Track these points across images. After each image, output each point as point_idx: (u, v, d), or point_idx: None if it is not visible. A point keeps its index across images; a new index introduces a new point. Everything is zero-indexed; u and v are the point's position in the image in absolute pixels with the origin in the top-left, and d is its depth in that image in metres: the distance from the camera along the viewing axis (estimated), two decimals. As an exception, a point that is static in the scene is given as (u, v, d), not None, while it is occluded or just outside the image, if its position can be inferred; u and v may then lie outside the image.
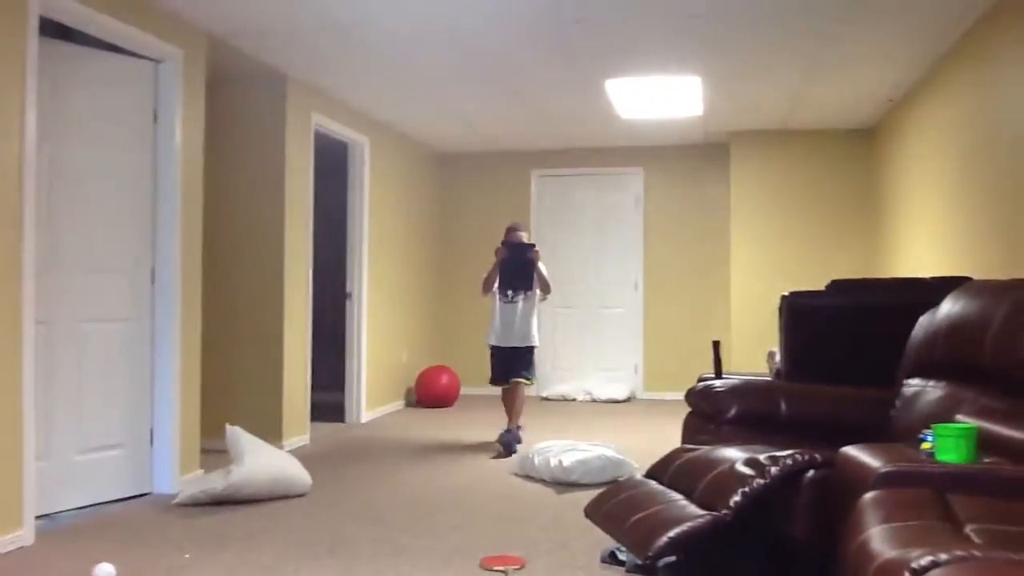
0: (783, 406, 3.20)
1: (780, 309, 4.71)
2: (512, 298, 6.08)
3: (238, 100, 6.05)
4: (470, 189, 9.45)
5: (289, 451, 5.88)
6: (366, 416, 7.40)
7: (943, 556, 1.58)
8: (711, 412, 3.23)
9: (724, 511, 2.48)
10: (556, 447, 5.16)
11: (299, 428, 6.23)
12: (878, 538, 1.92)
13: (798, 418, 3.19)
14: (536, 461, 5.07)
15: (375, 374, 7.60)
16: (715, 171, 8.86)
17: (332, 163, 7.40)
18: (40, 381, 3.96)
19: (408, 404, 8.41)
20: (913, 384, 3.19)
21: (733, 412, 3.16)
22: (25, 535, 3.71)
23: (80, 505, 4.32)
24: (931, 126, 6.02)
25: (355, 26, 4.98)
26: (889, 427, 3.10)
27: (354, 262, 7.33)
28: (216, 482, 4.41)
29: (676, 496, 2.74)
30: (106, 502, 4.44)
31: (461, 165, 9.45)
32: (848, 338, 3.89)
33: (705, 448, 2.94)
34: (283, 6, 4.65)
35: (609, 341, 9.09)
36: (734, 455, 2.76)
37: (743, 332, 8.20)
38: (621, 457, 5.01)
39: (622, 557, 3.40)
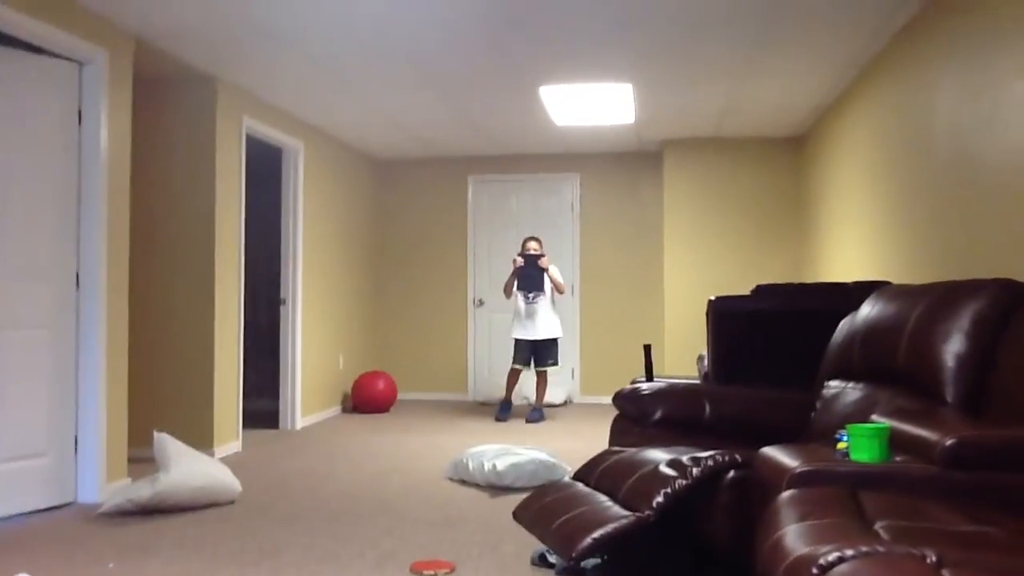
0: (707, 409, 3.26)
1: (707, 314, 4.80)
2: (533, 299, 7.60)
3: (167, 103, 5.96)
4: (407, 195, 9.43)
5: (220, 458, 5.81)
6: (301, 422, 7.33)
7: (849, 552, 1.63)
8: (637, 415, 3.27)
9: (647, 511, 2.51)
10: (490, 451, 5.17)
11: (230, 435, 6.15)
12: (791, 536, 1.97)
13: (722, 420, 3.25)
14: (470, 466, 5.08)
15: (310, 380, 7.53)
16: (650, 178, 8.98)
17: (266, 168, 7.33)
18: (-43, 389, 3.85)
19: (344, 410, 8.36)
20: (832, 386, 3.28)
21: (658, 415, 3.22)
22: (-60, 548, 3.60)
23: (0, 515, 4.21)
24: (858, 133, 6.19)
25: (283, 28, 4.94)
26: (809, 428, 3.18)
27: (288, 268, 7.26)
28: (142, 490, 4.32)
29: (601, 498, 2.77)
30: (28, 512, 4.33)
31: (398, 171, 9.43)
32: (772, 342, 3.97)
33: (631, 450, 2.98)
34: (209, 8, 4.59)
35: (546, 346, 9.14)
36: (658, 457, 2.80)
37: (675, 336, 8.32)
38: (554, 460, 5.05)
39: (552, 559, 3.42)
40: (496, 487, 4.91)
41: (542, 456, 5.05)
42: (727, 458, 2.59)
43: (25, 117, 4.37)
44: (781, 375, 3.85)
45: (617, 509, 2.63)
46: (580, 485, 2.94)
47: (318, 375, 7.73)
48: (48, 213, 4.48)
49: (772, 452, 2.49)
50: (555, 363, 7.81)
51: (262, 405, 7.59)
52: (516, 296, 7.72)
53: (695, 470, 2.57)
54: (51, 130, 4.50)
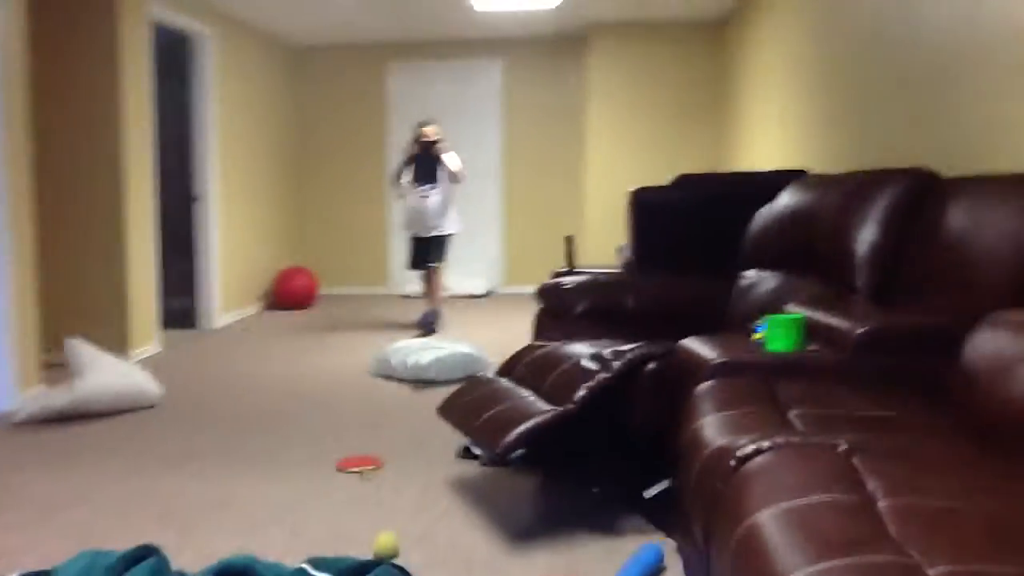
0: (629, 301, 3.29)
1: (629, 204, 4.79)
2: (425, 191, 6.67)
3: (58, -12, 5.57)
4: (325, 85, 9.12)
5: (138, 361, 5.70)
6: (220, 321, 7.22)
7: (765, 444, 1.67)
8: (560, 309, 3.28)
9: (570, 405, 2.54)
10: (414, 346, 5.17)
11: (147, 337, 6.02)
12: (710, 426, 2.01)
13: (643, 311, 3.28)
14: (393, 361, 5.08)
15: (229, 278, 7.38)
16: (574, 65, 8.85)
17: (176, 59, 6.96)
18: None
19: (267, 307, 8.24)
20: (748, 276, 3.33)
21: (581, 308, 3.23)
22: None
23: (-93, 428, 4.07)
24: (779, 16, 6.15)
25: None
26: (726, 317, 3.24)
27: (201, 163, 7.00)
28: (58, 398, 4.22)
29: (525, 392, 2.79)
30: (-64, 423, 4.20)
31: (315, 60, 9.09)
32: (693, 232, 4.00)
33: (553, 344, 3.00)
34: None
35: (468, 236, 9.08)
36: (580, 351, 2.82)
37: (596, 225, 8.35)
38: (476, 353, 5.08)
39: (476, 451, 3.48)
40: (420, 381, 4.94)
41: (464, 349, 5.07)
42: (647, 351, 2.62)
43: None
44: (702, 265, 3.89)
45: (540, 404, 2.66)
46: (503, 380, 2.95)
47: (236, 273, 7.58)
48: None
49: (691, 344, 2.52)
50: (440, 260, 6.86)
51: (179, 304, 7.41)
52: (408, 188, 6.77)
53: (616, 363, 2.60)
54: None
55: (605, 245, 8.25)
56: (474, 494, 3.09)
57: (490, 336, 6.49)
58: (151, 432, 4.03)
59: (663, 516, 2.66)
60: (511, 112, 9.03)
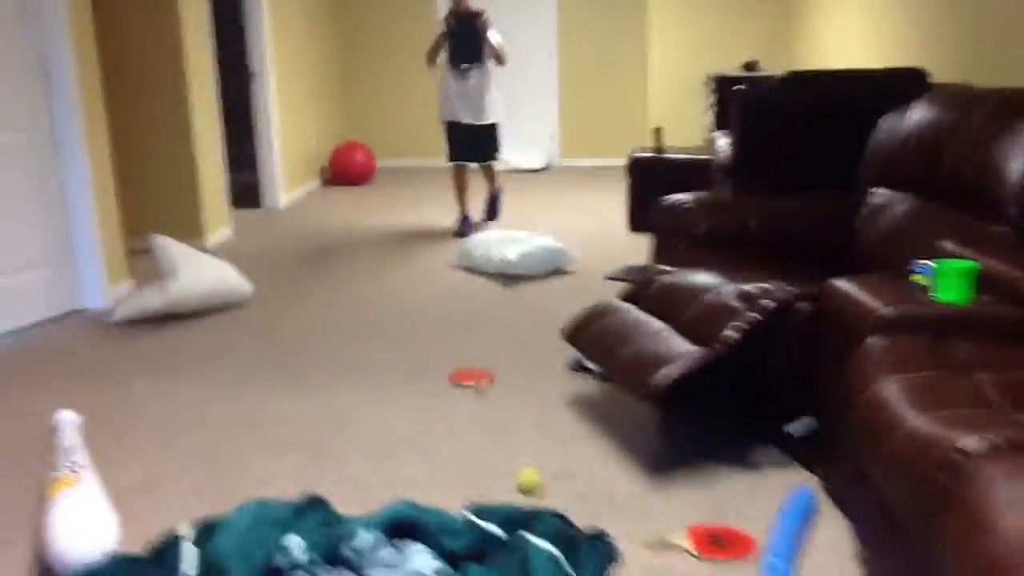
0: (752, 223, 3.17)
1: (716, 92, 4.60)
2: (466, 71, 5.81)
3: None
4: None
5: (214, 247, 5.68)
6: (283, 200, 7.14)
7: (996, 440, 1.61)
8: (680, 229, 3.18)
9: (719, 345, 2.49)
10: (494, 239, 5.10)
11: (219, 221, 5.97)
12: (895, 395, 1.95)
13: (766, 235, 3.17)
14: (476, 255, 5.02)
15: (287, 155, 7.25)
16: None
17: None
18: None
19: (324, 183, 8.14)
20: (879, 194, 3.20)
21: (703, 230, 3.12)
22: (-40, 373, 3.51)
23: (6, 330, 4.10)
24: None
25: None
26: (855, 239, 3.13)
27: (256, 37, 6.75)
28: (153, 298, 4.22)
29: (659, 325, 2.74)
30: (36, 323, 4.22)
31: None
32: (806, 139, 3.81)
33: (682, 272, 2.92)
34: None
35: (524, 109, 8.84)
36: (717, 283, 2.75)
37: (661, 100, 8.10)
38: (561, 246, 5.01)
39: (589, 365, 3.45)
40: (506, 275, 4.89)
41: (548, 243, 5.00)
42: (798, 291, 2.54)
43: None
44: (816, 179, 3.73)
45: (680, 340, 2.61)
46: (633, 310, 2.89)
47: (294, 149, 7.44)
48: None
49: (848, 288, 2.44)
50: (495, 154, 6.10)
51: (239, 180, 7.26)
52: (444, 68, 5.91)
53: (765, 302, 2.53)
54: (-4, -99, 3.93)
55: (670, 120, 8.00)
56: (597, 416, 3.09)
57: (561, 220, 6.39)
58: (247, 339, 4.03)
59: (804, 452, 2.65)
60: (568, -24, 8.59)
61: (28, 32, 4.12)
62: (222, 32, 6.55)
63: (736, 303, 2.58)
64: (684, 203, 3.25)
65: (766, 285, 2.60)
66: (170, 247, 4.37)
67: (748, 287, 2.62)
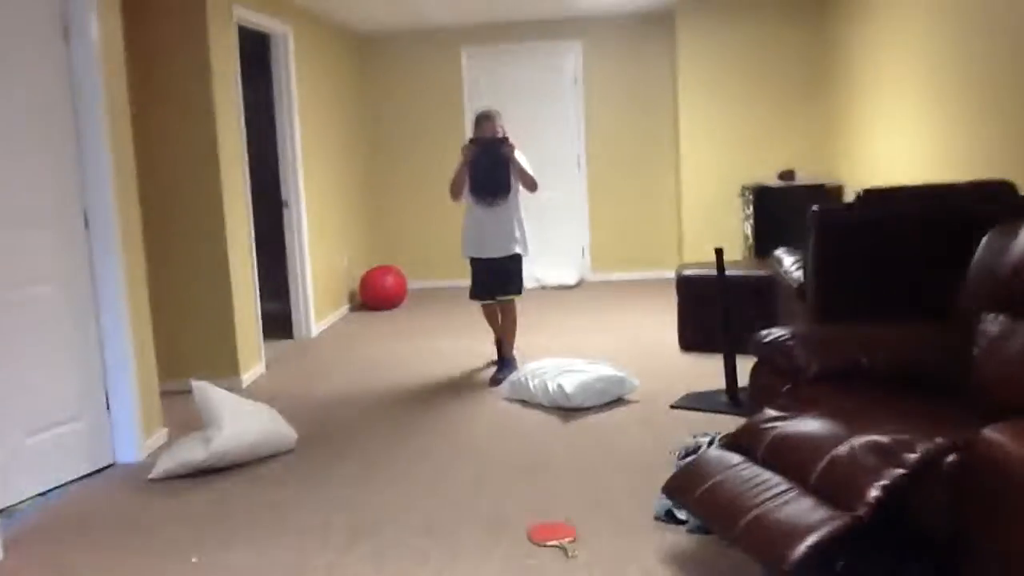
0: (863, 359, 2.91)
1: (754, 202, 4.40)
2: (490, 203, 5.28)
3: (152, 3, 5.19)
4: (397, 73, 8.70)
5: (249, 385, 5.44)
6: (316, 328, 6.92)
7: None
8: (788, 368, 2.92)
9: (862, 509, 2.20)
10: (549, 368, 4.84)
11: (253, 357, 5.73)
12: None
13: (880, 370, 2.90)
14: (531, 385, 4.76)
15: (319, 282, 7.07)
16: (658, 43, 8.36)
17: (252, 61, 6.58)
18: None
19: (353, 308, 7.94)
20: (995, 321, 2.94)
21: (814, 371, 2.85)
22: (-9, 549, 3.21)
23: (40, 491, 3.81)
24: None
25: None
26: (978, 373, 2.86)
27: (288, 167, 6.66)
28: (195, 452, 3.94)
29: (782, 483, 2.45)
30: (68, 483, 3.93)
31: (385, 47, 8.66)
32: (885, 259, 3.61)
33: (794, 419, 2.65)
34: None
35: (553, 223, 8.71)
36: (842, 433, 2.47)
37: (695, 213, 7.98)
38: (621, 375, 4.74)
39: (681, 516, 3.15)
40: (564, 408, 4.61)
41: (608, 371, 4.73)
42: (944, 442, 2.27)
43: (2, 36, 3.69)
44: (901, 300, 3.51)
45: (811, 503, 2.32)
46: (747, 463, 2.61)
47: (325, 275, 7.26)
48: (41, 146, 3.87)
49: (1003, 439, 2.16)
50: (518, 292, 5.43)
51: (269, 309, 7.03)
52: (468, 200, 5.36)
53: (912, 457, 2.24)
54: (34, 49, 3.82)
55: (706, 233, 7.86)
56: (701, 579, 2.77)
57: (609, 340, 6.14)
58: (302, 493, 3.73)
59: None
60: (593, 93, 8.58)
61: (71, 181, 3.97)
62: (252, 159, 6.46)
63: (874, 458, 2.30)
64: (786, 339, 2.99)
65: (904, 436, 2.32)
66: (211, 394, 4.12)
67: (883, 439, 2.35)
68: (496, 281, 5.35)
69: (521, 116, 8.56)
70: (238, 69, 5.67)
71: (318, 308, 7.03)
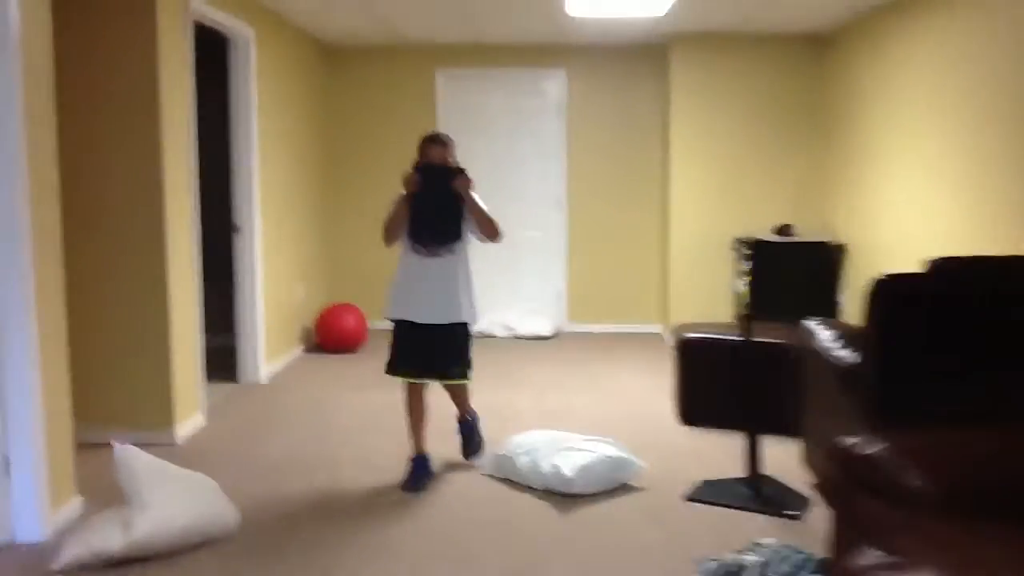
0: (992, 479, 2.27)
1: (752, 258, 4.01)
2: (432, 252, 4.00)
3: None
4: (366, 91, 7.98)
5: (184, 439, 4.67)
6: (265, 370, 6.13)
7: None
8: (892, 491, 2.25)
9: None
10: (541, 445, 4.14)
11: (191, 405, 4.93)
12: None
13: (1011, 487, 2.26)
14: (519, 464, 4.06)
15: (270, 318, 6.29)
16: (649, 77, 7.81)
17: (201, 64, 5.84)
18: None
19: (307, 349, 7.16)
20: None
21: (935, 496, 2.18)
22: None
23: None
24: (919, 31, 5.23)
25: None
26: None
27: (243, 187, 5.91)
28: (111, 538, 3.15)
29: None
30: (-55, 570, 3.13)
31: (355, 61, 7.95)
32: (966, 340, 3.02)
33: (903, 568, 1.98)
34: None
35: (529, 267, 8.06)
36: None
37: (683, 265, 7.39)
38: (626, 456, 4.07)
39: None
40: (558, 493, 3.91)
41: (612, 451, 4.05)
42: None
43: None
44: (994, 390, 2.92)
45: None
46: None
47: (278, 311, 6.49)
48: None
49: None
50: (466, 374, 4.14)
51: (211, 345, 6.18)
52: (404, 246, 4.05)
53: None
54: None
55: (697, 286, 7.28)
56: None
57: (596, 407, 5.47)
58: (244, 595, 2.98)
59: None
60: (577, 126, 7.97)
61: (-28, 186, 3.20)
62: (202, 171, 5.70)
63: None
64: (878, 451, 2.33)
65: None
66: (135, 463, 3.35)
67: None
68: (433, 356, 4.05)
69: (499, 148, 7.98)
70: (192, 68, 4.93)
71: (268, 347, 6.25)
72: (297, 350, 6.95)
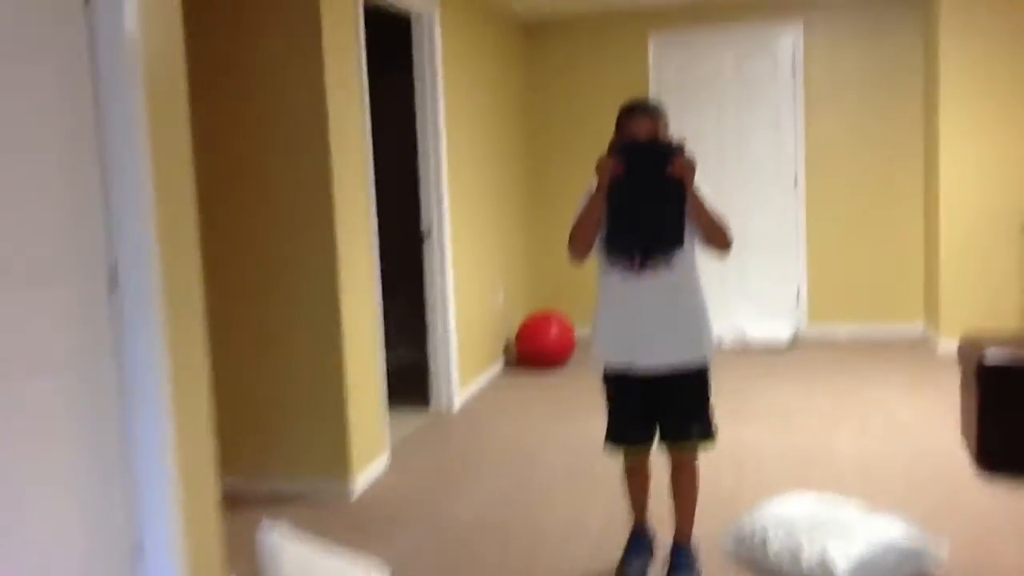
0: None
1: None
2: (644, 266, 2.89)
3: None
4: (570, 69, 7.13)
5: (364, 491, 4.00)
6: (459, 396, 5.42)
7: None
8: None
9: None
10: (802, 518, 3.13)
11: (373, 446, 4.27)
12: None
13: None
14: (771, 548, 3.06)
15: (465, 334, 5.57)
16: (906, 23, 6.46)
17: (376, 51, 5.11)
18: None
19: (508, 363, 6.42)
20: None
21: None
22: None
23: None
24: None
25: None
26: None
27: (430, 187, 5.20)
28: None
29: None
30: None
31: (556, 36, 7.12)
32: None
33: None
34: None
35: (759, 258, 6.91)
36: None
37: (957, 254, 6.01)
38: (919, 545, 2.98)
39: None
40: (828, 591, 2.90)
41: (899, 537, 2.97)
42: None
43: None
44: None
45: None
46: None
47: (473, 324, 5.76)
48: (44, 168, 2.50)
49: None
50: (709, 434, 2.99)
51: (395, 361, 5.39)
52: (602, 262, 3.03)
53: None
54: (41, 20, 2.46)
55: (976, 282, 5.91)
56: None
57: (865, 443, 4.34)
58: None
59: None
60: (816, 89, 6.74)
61: (86, 218, 2.59)
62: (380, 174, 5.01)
63: None
64: None
65: None
66: (280, 557, 2.66)
67: None
68: (665, 413, 2.98)
69: (722, 120, 6.88)
70: (363, 56, 4.24)
71: (463, 368, 5.53)
72: (496, 366, 6.21)
